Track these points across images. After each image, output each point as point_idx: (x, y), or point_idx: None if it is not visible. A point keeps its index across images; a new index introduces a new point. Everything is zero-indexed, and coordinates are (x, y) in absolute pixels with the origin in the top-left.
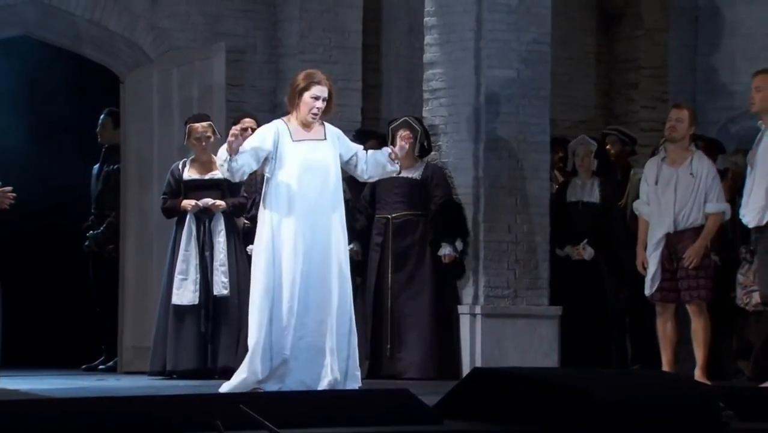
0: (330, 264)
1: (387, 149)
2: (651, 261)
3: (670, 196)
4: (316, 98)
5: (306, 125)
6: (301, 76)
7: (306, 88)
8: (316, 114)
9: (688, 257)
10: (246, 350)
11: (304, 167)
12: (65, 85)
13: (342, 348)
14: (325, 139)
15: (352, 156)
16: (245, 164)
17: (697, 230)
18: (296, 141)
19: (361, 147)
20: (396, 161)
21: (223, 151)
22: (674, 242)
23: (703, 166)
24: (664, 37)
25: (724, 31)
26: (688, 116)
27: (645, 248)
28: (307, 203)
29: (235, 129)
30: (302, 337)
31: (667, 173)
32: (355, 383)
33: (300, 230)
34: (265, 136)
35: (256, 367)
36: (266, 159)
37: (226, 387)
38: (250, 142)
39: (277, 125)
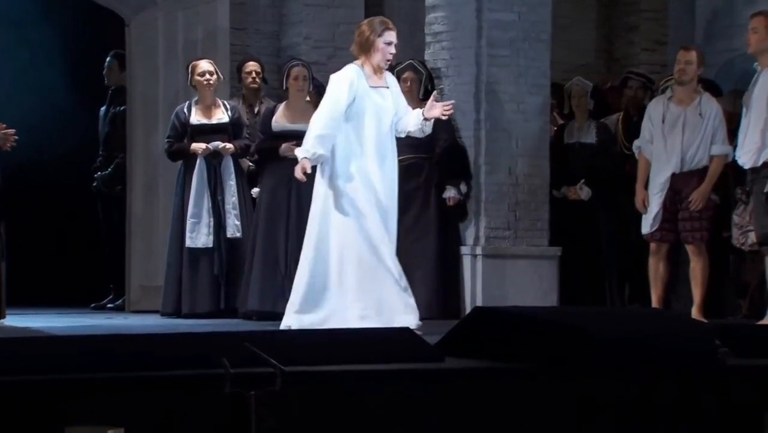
0: (395, 205)
1: (419, 110)
2: (654, 201)
3: (678, 135)
4: (389, 44)
5: (377, 71)
6: (375, 22)
7: (380, 35)
8: (389, 60)
9: (695, 200)
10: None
11: (375, 112)
12: (72, 28)
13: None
14: (389, 87)
15: (398, 110)
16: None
17: (701, 172)
18: (371, 87)
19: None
20: (428, 122)
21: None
22: (678, 182)
23: (711, 108)
24: None
25: None
26: (696, 57)
27: (645, 187)
28: (377, 148)
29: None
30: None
31: (674, 112)
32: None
33: (373, 173)
34: (347, 89)
35: (328, 303)
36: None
37: (296, 324)
38: (338, 104)
39: (355, 71)
